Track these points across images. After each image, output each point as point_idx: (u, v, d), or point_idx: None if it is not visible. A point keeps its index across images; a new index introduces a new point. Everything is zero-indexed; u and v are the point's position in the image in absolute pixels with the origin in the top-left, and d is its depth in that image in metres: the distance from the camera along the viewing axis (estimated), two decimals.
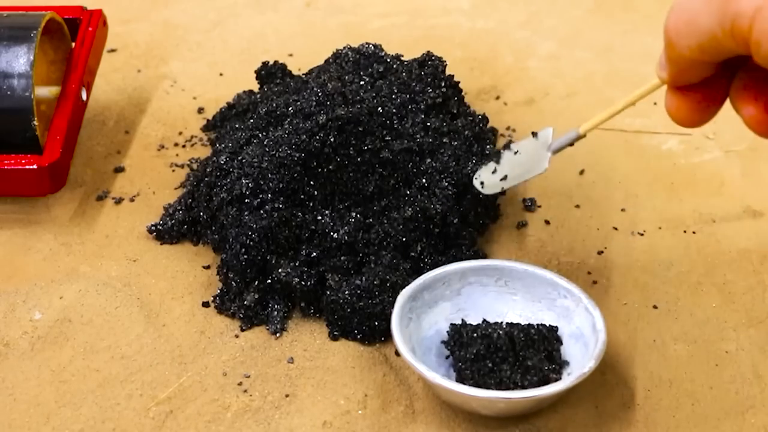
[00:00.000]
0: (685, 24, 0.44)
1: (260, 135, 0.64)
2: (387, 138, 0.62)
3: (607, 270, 0.63)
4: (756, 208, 0.67)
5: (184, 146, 0.73)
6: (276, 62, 0.74)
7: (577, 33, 0.87)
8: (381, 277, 0.58)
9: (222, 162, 0.63)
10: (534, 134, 0.58)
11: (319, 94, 0.63)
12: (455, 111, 0.67)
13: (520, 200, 0.68)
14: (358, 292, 0.57)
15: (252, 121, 0.66)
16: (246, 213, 0.60)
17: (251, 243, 0.59)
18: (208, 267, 0.63)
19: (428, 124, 0.64)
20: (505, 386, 0.52)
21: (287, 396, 0.55)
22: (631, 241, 0.65)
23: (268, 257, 0.59)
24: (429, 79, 0.67)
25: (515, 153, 0.59)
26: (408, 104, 0.64)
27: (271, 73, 0.73)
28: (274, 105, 0.65)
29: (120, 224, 0.66)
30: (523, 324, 0.55)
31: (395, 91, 0.65)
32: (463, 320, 0.56)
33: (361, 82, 0.65)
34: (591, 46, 0.85)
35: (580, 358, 0.54)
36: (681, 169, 0.71)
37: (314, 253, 0.60)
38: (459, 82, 0.69)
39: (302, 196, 0.61)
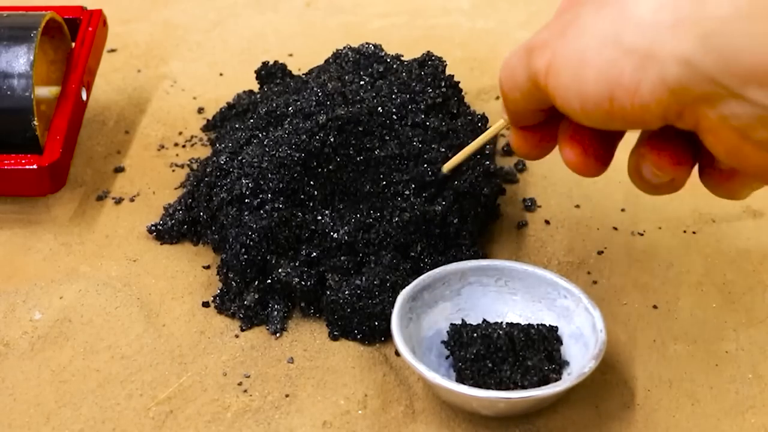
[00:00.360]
0: (508, 78, 0.48)
1: (260, 135, 0.64)
2: (386, 137, 0.62)
3: (607, 270, 0.63)
4: (756, 208, 0.67)
5: (184, 146, 0.73)
6: (276, 62, 0.74)
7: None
8: (381, 277, 0.58)
9: (222, 162, 0.63)
10: None
11: (319, 94, 0.63)
12: (455, 111, 0.67)
13: (520, 200, 0.68)
14: (358, 292, 0.57)
15: (252, 121, 0.66)
16: (246, 213, 0.60)
17: (251, 243, 0.59)
18: (208, 267, 0.63)
19: (428, 124, 0.64)
20: (505, 386, 0.52)
21: (287, 396, 0.55)
22: (631, 241, 0.65)
23: (268, 257, 0.59)
24: (429, 79, 0.67)
25: None
26: (408, 104, 0.64)
27: (271, 73, 0.73)
28: (274, 105, 0.65)
29: (120, 224, 0.66)
30: (523, 324, 0.55)
31: (395, 91, 0.65)
32: (463, 320, 0.56)
33: (361, 82, 0.65)
34: None
35: (580, 358, 0.54)
36: None
37: (314, 253, 0.60)
38: (459, 82, 0.69)
39: (302, 196, 0.61)
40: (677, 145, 0.47)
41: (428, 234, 0.60)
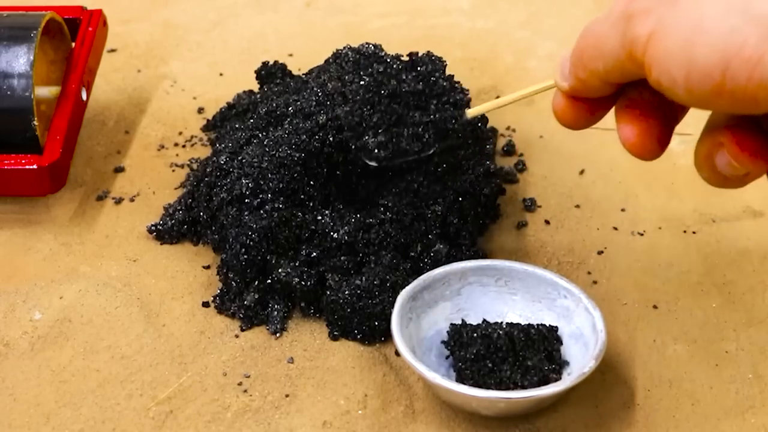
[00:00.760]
0: (593, 47, 0.46)
1: (260, 135, 0.64)
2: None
3: (607, 270, 0.63)
4: (756, 208, 0.67)
5: (184, 146, 0.73)
6: (276, 62, 0.74)
7: (577, 33, 0.87)
8: (381, 277, 0.58)
9: (222, 162, 0.63)
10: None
11: (319, 94, 0.63)
12: None
13: (520, 200, 0.68)
14: (358, 292, 0.57)
15: (252, 121, 0.66)
16: (246, 213, 0.60)
17: (251, 243, 0.59)
18: (208, 267, 0.63)
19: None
20: (505, 386, 0.52)
21: (287, 396, 0.55)
22: (631, 241, 0.65)
23: (268, 257, 0.59)
24: None
25: None
26: None
27: (271, 73, 0.73)
28: (274, 105, 0.65)
29: (120, 224, 0.66)
30: (523, 324, 0.55)
31: None
32: (463, 320, 0.56)
33: (361, 82, 0.65)
34: None
35: (580, 358, 0.54)
36: (681, 169, 0.71)
37: (314, 253, 0.60)
38: (459, 82, 0.69)
39: (302, 196, 0.61)
40: (758, 136, 0.44)
41: (428, 234, 0.60)
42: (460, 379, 0.53)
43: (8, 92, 0.65)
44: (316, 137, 0.61)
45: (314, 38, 0.86)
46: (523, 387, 0.52)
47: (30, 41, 0.65)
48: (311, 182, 0.61)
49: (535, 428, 0.53)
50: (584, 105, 0.49)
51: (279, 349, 0.58)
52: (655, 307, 0.60)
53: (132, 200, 0.68)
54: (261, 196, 0.60)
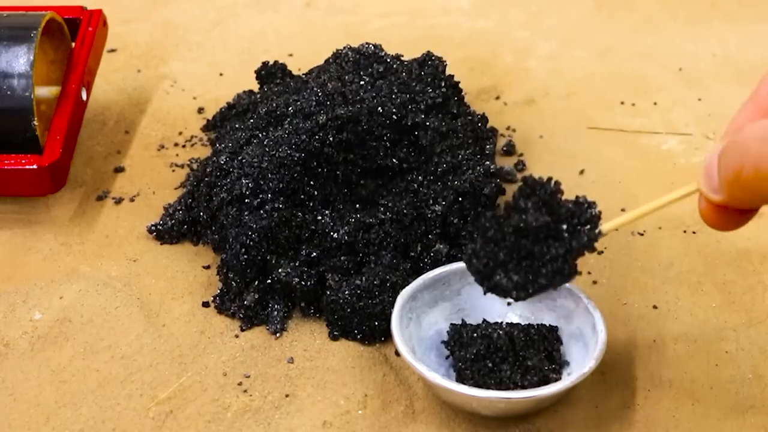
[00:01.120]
0: (754, 168, 0.42)
1: (260, 135, 0.64)
2: (386, 136, 0.63)
3: (607, 270, 0.63)
4: None
5: (184, 146, 0.73)
6: (276, 62, 0.74)
7: (577, 33, 0.87)
8: (381, 277, 0.58)
9: (222, 162, 0.63)
10: None
11: (319, 94, 0.63)
12: (455, 111, 0.67)
13: None
14: (358, 292, 0.57)
15: (252, 121, 0.66)
16: (246, 213, 0.60)
17: (251, 243, 0.59)
18: (208, 267, 0.63)
19: (428, 123, 0.64)
20: (505, 386, 0.52)
21: (287, 396, 0.55)
22: (631, 241, 0.65)
23: (268, 257, 0.59)
24: (429, 79, 0.67)
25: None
26: (408, 104, 0.64)
27: (271, 73, 0.73)
28: (274, 105, 0.65)
29: (120, 224, 0.66)
30: (523, 324, 0.55)
31: (395, 91, 0.65)
32: (463, 320, 0.56)
33: (361, 82, 0.65)
34: (591, 46, 0.85)
35: (580, 358, 0.54)
36: (681, 169, 0.71)
37: (314, 253, 0.60)
38: (459, 82, 0.69)
39: (302, 196, 0.61)
40: None
41: (428, 234, 0.60)
42: (460, 380, 0.53)
43: (8, 92, 0.65)
44: (316, 137, 0.61)
45: (314, 38, 0.86)
46: (523, 387, 0.52)
47: (30, 41, 0.65)
48: (311, 182, 0.61)
49: (535, 428, 0.53)
50: (735, 212, 0.46)
51: (279, 349, 0.58)
52: (655, 307, 0.60)
53: (132, 200, 0.68)
54: (261, 196, 0.60)
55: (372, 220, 0.60)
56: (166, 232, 0.65)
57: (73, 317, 0.59)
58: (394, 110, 0.63)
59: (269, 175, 0.60)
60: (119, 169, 0.71)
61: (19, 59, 0.65)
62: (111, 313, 0.60)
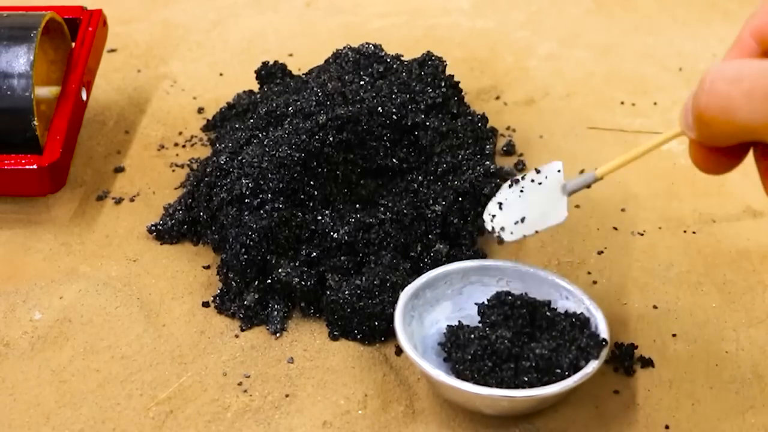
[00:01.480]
0: (721, 111, 0.43)
1: (260, 135, 0.64)
2: (386, 136, 0.63)
3: (607, 270, 0.63)
4: (756, 208, 0.67)
5: (184, 146, 0.73)
6: (276, 62, 0.74)
7: (577, 33, 0.87)
8: (381, 277, 0.58)
9: (222, 162, 0.63)
10: (537, 171, 0.53)
11: (319, 94, 0.63)
12: (455, 111, 0.67)
13: None
14: (358, 292, 0.57)
15: (252, 121, 0.66)
16: (246, 213, 0.60)
17: (251, 243, 0.59)
18: (208, 267, 0.63)
19: (428, 124, 0.64)
20: (505, 386, 0.52)
21: (287, 396, 0.55)
22: (631, 241, 0.65)
23: (268, 257, 0.59)
24: (429, 79, 0.67)
25: (521, 192, 0.53)
26: (408, 104, 0.64)
27: (271, 73, 0.73)
28: (274, 105, 0.65)
29: (120, 224, 0.66)
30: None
31: (395, 91, 0.65)
32: (459, 322, 0.56)
33: (361, 82, 0.65)
34: (591, 46, 0.85)
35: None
36: (681, 169, 0.71)
37: (314, 253, 0.60)
38: (459, 82, 0.69)
39: (302, 196, 0.61)
40: None
41: (428, 234, 0.60)
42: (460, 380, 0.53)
43: (8, 92, 0.65)
44: (316, 137, 0.61)
45: (314, 38, 0.86)
46: (523, 387, 0.52)
47: (30, 41, 0.65)
48: (311, 182, 0.61)
49: (535, 428, 0.53)
50: (718, 152, 0.47)
51: (279, 349, 0.58)
52: (655, 307, 0.60)
53: (132, 200, 0.68)
54: (261, 196, 0.60)
55: (372, 220, 0.60)
56: (166, 232, 0.65)
57: (73, 317, 0.59)
58: (394, 110, 0.63)
59: (269, 175, 0.60)
60: (119, 169, 0.71)
61: (19, 59, 0.65)
62: (111, 313, 0.60)
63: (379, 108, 0.63)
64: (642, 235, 0.65)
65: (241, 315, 0.59)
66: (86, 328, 0.59)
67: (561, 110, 0.77)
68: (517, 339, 0.54)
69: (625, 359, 0.56)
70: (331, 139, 0.61)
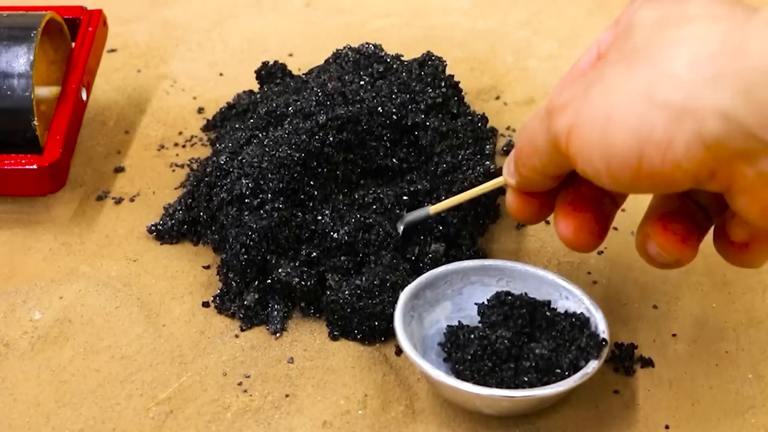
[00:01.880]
0: (527, 143, 0.48)
1: (260, 135, 0.64)
2: (386, 136, 0.63)
3: (607, 270, 0.63)
4: None
5: (184, 146, 0.73)
6: (276, 62, 0.74)
7: (577, 33, 0.87)
8: (381, 277, 0.58)
9: (222, 162, 0.63)
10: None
11: (319, 94, 0.63)
12: (455, 111, 0.67)
13: None
14: (358, 292, 0.57)
15: (252, 121, 0.66)
16: (246, 213, 0.60)
17: (251, 243, 0.59)
18: (208, 267, 0.63)
19: (428, 124, 0.64)
20: (505, 386, 0.52)
21: (287, 396, 0.55)
22: (631, 241, 0.65)
23: (268, 257, 0.59)
24: (429, 79, 0.67)
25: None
26: (408, 104, 0.64)
27: (271, 73, 0.73)
28: (274, 105, 0.65)
29: (120, 224, 0.66)
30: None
31: (395, 91, 0.65)
32: (459, 322, 0.56)
33: (361, 82, 0.65)
34: None
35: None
36: None
37: (314, 253, 0.60)
38: (459, 82, 0.69)
39: (302, 196, 0.61)
40: (684, 223, 0.47)
41: (428, 234, 0.60)
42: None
43: (8, 92, 0.65)
44: (316, 137, 0.61)
45: (314, 38, 0.86)
46: (523, 387, 0.52)
47: (30, 41, 0.65)
48: (311, 182, 0.61)
49: (535, 428, 0.53)
50: (534, 200, 0.51)
51: (279, 349, 0.58)
52: (655, 307, 0.60)
53: (132, 200, 0.68)
54: (261, 196, 0.60)
55: (372, 220, 0.60)
56: (166, 232, 0.65)
57: (73, 317, 0.59)
58: (394, 110, 0.63)
59: (269, 175, 0.60)
60: (119, 169, 0.71)
61: (19, 59, 0.65)
62: (111, 313, 0.60)
63: (379, 108, 0.63)
64: None
65: (241, 315, 0.59)
66: (86, 328, 0.59)
67: None
68: (517, 339, 0.54)
69: (625, 359, 0.56)
70: (331, 139, 0.61)
